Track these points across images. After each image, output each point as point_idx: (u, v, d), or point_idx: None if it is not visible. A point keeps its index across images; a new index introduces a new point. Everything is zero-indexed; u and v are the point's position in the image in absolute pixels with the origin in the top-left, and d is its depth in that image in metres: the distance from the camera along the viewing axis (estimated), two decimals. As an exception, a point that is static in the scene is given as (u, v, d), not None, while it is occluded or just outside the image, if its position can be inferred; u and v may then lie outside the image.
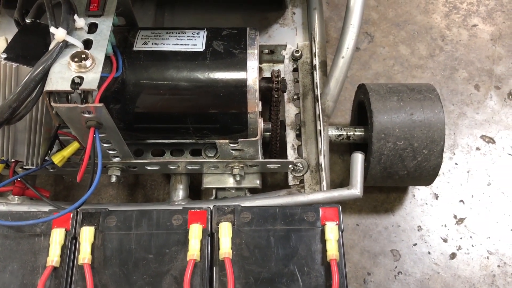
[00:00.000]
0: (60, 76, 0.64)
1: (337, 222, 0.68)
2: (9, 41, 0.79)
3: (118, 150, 0.79)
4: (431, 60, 1.24)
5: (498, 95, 1.20)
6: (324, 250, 0.67)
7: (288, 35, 1.08)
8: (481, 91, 1.21)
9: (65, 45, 0.67)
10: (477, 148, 1.14)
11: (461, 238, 1.05)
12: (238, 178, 0.86)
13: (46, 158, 0.80)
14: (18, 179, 0.81)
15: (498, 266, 1.03)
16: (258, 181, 0.91)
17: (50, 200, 0.83)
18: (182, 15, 1.09)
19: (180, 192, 0.91)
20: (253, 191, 0.92)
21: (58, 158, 0.79)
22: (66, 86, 0.63)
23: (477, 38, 1.27)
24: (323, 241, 0.68)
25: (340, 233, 0.68)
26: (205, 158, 0.89)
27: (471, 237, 1.05)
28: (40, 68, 0.65)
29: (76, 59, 0.65)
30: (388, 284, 1.01)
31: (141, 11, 1.07)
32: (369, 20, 1.28)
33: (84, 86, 0.64)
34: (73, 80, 0.64)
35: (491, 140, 1.15)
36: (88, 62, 0.65)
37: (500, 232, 1.05)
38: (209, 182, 0.90)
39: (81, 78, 0.65)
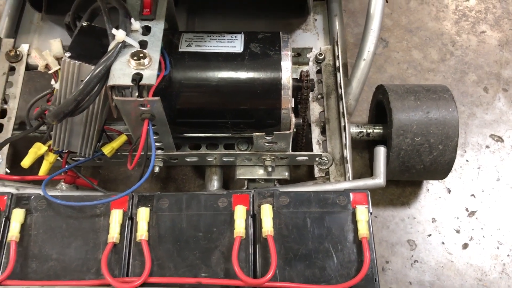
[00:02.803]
0: (122, 73, 0.73)
1: (367, 205, 0.77)
2: (63, 43, 0.89)
3: (164, 142, 0.87)
4: (443, 64, 1.33)
5: (505, 97, 1.29)
6: (355, 230, 0.75)
7: (311, 40, 1.16)
8: (489, 93, 1.29)
9: (124, 45, 0.75)
10: (487, 146, 1.23)
11: (472, 230, 1.13)
12: (269, 169, 0.95)
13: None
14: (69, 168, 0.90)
15: (508, 255, 1.10)
16: (286, 173, 0.99)
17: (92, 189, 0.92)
18: (211, 21, 1.17)
19: (215, 183, 0.99)
20: (282, 182, 1.00)
21: (108, 150, 0.88)
22: (128, 81, 0.72)
23: (485, 44, 1.36)
24: (354, 222, 0.76)
25: (369, 215, 0.76)
26: (237, 152, 0.98)
27: (482, 228, 1.13)
28: (103, 66, 0.73)
29: (135, 58, 0.73)
30: (405, 272, 1.09)
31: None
32: (384, 26, 1.37)
33: (144, 81, 0.72)
34: (132, 76, 0.73)
35: (500, 139, 1.23)
36: (146, 61, 0.74)
37: (509, 224, 1.13)
38: (241, 173, 0.98)
39: (140, 75, 0.73)
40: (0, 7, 1.37)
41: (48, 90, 0.88)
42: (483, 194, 1.17)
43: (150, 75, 0.73)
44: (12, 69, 1.07)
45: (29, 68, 1.09)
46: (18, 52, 1.08)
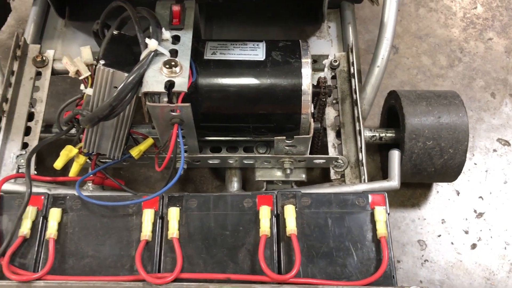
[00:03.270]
0: (155, 80, 0.77)
1: (384, 207, 0.81)
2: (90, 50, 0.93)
3: (189, 145, 0.92)
4: (451, 70, 1.38)
5: (512, 102, 1.34)
6: (374, 230, 0.80)
7: (325, 46, 1.21)
8: (496, 98, 1.34)
9: (156, 54, 0.80)
10: (494, 150, 1.27)
11: (481, 230, 1.18)
12: (288, 171, 0.99)
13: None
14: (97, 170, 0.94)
15: None
16: (303, 175, 1.03)
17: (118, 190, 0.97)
18: (228, 28, 1.22)
19: (235, 184, 1.04)
20: (298, 184, 1.05)
21: (135, 152, 0.92)
22: (161, 88, 0.77)
23: (493, 50, 1.41)
24: (373, 222, 0.80)
25: (387, 215, 0.81)
26: (256, 154, 1.02)
27: (490, 229, 1.18)
28: (137, 73, 0.77)
29: (167, 66, 0.78)
30: (415, 271, 1.13)
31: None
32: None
33: (176, 88, 0.77)
34: (165, 83, 0.77)
35: (507, 143, 1.28)
36: (177, 69, 0.78)
37: None
38: (261, 175, 1.03)
39: (172, 82, 0.78)
40: (21, 12, 1.42)
41: (78, 95, 0.93)
42: (490, 196, 1.21)
43: (182, 83, 0.77)
44: (38, 74, 1.12)
45: (55, 73, 1.14)
46: (44, 58, 1.12)
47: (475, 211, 1.20)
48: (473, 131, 1.29)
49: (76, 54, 1.18)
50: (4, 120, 1.03)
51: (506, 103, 1.33)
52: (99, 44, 0.99)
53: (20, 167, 1.01)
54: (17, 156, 1.02)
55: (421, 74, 1.37)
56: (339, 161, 1.02)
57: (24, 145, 1.04)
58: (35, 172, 1.00)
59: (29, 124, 1.06)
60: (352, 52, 1.11)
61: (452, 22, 1.45)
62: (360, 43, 1.39)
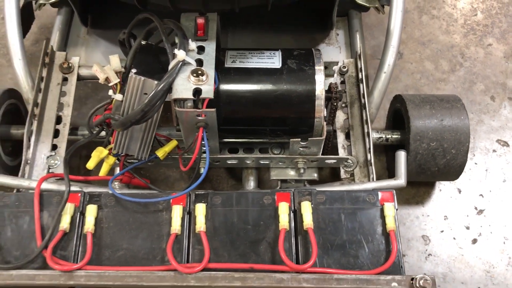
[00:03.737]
0: (183, 87, 0.85)
1: (393, 203, 0.89)
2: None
3: (211, 147, 0.99)
4: (453, 75, 1.46)
5: (511, 105, 1.41)
6: (383, 224, 0.87)
7: (333, 53, 1.28)
8: (496, 101, 1.42)
9: (183, 63, 0.88)
10: (494, 150, 1.35)
11: (481, 226, 1.25)
12: (302, 171, 1.07)
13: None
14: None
15: None
16: (315, 174, 1.11)
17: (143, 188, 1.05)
18: (242, 35, 1.29)
19: (251, 183, 1.12)
20: (311, 183, 1.13)
21: (161, 153, 1.00)
22: (189, 95, 0.84)
23: (492, 56, 1.49)
24: (382, 217, 0.88)
25: (395, 210, 0.88)
26: (272, 155, 1.10)
27: (489, 225, 1.25)
28: (166, 81, 0.85)
29: (194, 74, 0.85)
30: (420, 264, 1.21)
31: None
32: None
33: (203, 95, 0.85)
34: (193, 90, 0.85)
35: (506, 144, 1.36)
36: (204, 77, 0.86)
37: None
38: (275, 174, 1.10)
39: (199, 89, 0.85)
40: (43, 20, 1.49)
41: (106, 100, 1.00)
42: (490, 194, 1.29)
43: (208, 90, 0.85)
44: (65, 80, 1.19)
45: (80, 78, 1.21)
46: (70, 64, 1.19)
47: (475, 208, 1.27)
48: (473, 132, 1.36)
49: (98, 60, 1.28)
50: (35, 123, 1.10)
51: (505, 106, 1.41)
52: (124, 52, 1.07)
53: (50, 167, 1.09)
54: (48, 157, 1.09)
55: (424, 79, 1.45)
56: (348, 161, 1.09)
57: (53, 147, 1.11)
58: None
59: (57, 127, 1.13)
60: (360, 58, 1.19)
61: (453, 28, 1.53)
62: (366, 49, 1.46)
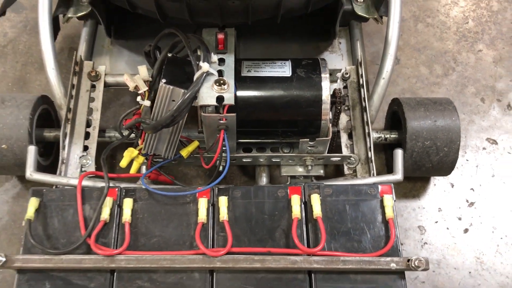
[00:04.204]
0: (208, 95, 0.98)
1: (391, 195, 1.02)
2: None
3: (230, 147, 1.12)
4: (446, 79, 1.59)
5: (499, 106, 1.54)
6: (383, 213, 1.00)
7: (336, 60, 1.40)
8: (486, 103, 1.55)
9: (207, 74, 1.00)
10: (483, 148, 1.48)
11: (472, 217, 1.38)
12: (309, 168, 1.20)
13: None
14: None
15: (501, 238, 1.34)
16: (321, 171, 1.23)
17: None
18: (253, 45, 1.40)
19: (264, 179, 1.24)
20: (317, 178, 1.25)
21: (184, 152, 1.12)
22: (213, 102, 0.97)
23: (482, 61, 1.62)
24: (382, 207, 1.00)
25: (393, 201, 1.01)
26: (282, 154, 1.23)
27: (479, 216, 1.38)
28: (193, 90, 0.98)
29: (217, 83, 0.98)
30: (416, 252, 1.32)
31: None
32: None
33: (225, 102, 0.97)
34: (216, 97, 0.98)
35: (495, 142, 1.49)
36: (225, 86, 0.99)
37: (502, 213, 1.35)
38: (286, 171, 1.23)
39: (221, 96, 0.98)
40: (67, 30, 1.61)
41: (136, 106, 1.13)
42: (480, 188, 1.41)
43: (230, 97, 0.98)
44: (93, 87, 1.32)
45: (106, 85, 1.34)
46: (97, 73, 1.32)
47: (467, 201, 1.40)
48: (465, 131, 1.49)
49: (121, 68, 1.40)
50: (68, 126, 1.23)
51: (494, 107, 1.54)
52: (148, 62, 1.19)
53: (83, 166, 1.21)
54: (80, 157, 1.22)
55: (419, 82, 1.58)
56: (351, 158, 1.22)
57: (85, 148, 1.24)
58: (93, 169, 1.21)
59: (87, 129, 1.26)
60: (360, 65, 1.31)
61: (446, 35, 1.66)
62: (366, 56, 1.59)
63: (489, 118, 1.50)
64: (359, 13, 1.35)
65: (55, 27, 1.43)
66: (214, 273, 0.95)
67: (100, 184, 1.10)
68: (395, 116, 1.34)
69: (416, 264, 0.93)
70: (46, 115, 1.35)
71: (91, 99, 1.29)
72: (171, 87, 1.00)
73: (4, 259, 0.92)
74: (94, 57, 1.40)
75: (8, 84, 1.55)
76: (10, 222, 1.35)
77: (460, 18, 1.69)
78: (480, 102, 1.53)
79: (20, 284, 0.94)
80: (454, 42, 1.63)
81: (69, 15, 1.37)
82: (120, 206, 1.00)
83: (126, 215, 0.98)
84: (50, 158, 1.37)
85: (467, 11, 1.71)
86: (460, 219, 1.35)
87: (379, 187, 1.02)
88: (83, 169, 1.21)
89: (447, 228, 1.34)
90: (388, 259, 0.94)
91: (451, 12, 1.70)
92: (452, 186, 1.40)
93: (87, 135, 1.25)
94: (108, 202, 0.99)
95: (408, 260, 0.94)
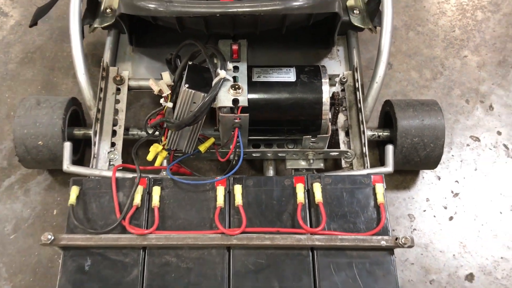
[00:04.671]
0: (225, 98, 1.15)
1: (382, 183, 1.19)
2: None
3: (242, 142, 1.29)
4: (434, 82, 1.75)
5: (482, 107, 1.71)
6: (375, 199, 1.16)
7: (335, 66, 1.56)
8: (470, 104, 1.71)
9: (224, 80, 1.18)
10: (467, 145, 1.64)
11: (456, 206, 1.52)
12: (311, 161, 1.37)
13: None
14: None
15: (482, 225, 1.49)
16: (322, 164, 1.40)
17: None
18: (259, 52, 1.54)
19: (271, 171, 1.41)
20: (318, 171, 1.42)
21: (202, 148, 1.29)
22: (230, 104, 1.14)
23: (467, 66, 1.78)
24: (374, 194, 1.17)
25: (384, 189, 1.18)
26: (287, 149, 1.40)
27: (463, 205, 1.52)
28: (212, 93, 1.14)
29: (233, 88, 1.15)
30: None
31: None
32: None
33: (240, 104, 1.15)
34: (232, 100, 1.15)
35: (477, 139, 1.65)
36: (240, 90, 1.16)
37: (483, 203, 1.47)
38: (290, 164, 1.40)
39: (236, 99, 1.15)
40: (88, 38, 1.78)
41: (159, 107, 1.29)
42: (464, 181, 1.56)
43: (243, 100, 1.15)
44: (118, 90, 1.49)
45: (129, 88, 1.51)
46: (121, 77, 1.49)
47: (452, 192, 1.55)
48: (451, 130, 1.66)
49: (142, 73, 1.56)
50: (98, 125, 1.40)
51: (477, 108, 1.71)
52: (170, 69, 1.35)
53: (111, 160, 1.38)
54: (108, 152, 1.39)
55: (410, 85, 1.74)
56: (348, 153, 1.39)
57: (112, 144, 1.41)
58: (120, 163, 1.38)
59: (114, 128, 1.43)
60: (356, 71, 1.48)
61: (435, 43, 1.83)
62: (362, 61, 1.75)
63: (473, 118, 1.65)
64: (355, 24, 1.51)
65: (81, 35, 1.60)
66: (231, 250, 1.11)
67: (128, 175, 1.27)
68: (388, 116, 1.50)
69: (403, 241, 1.09)
70: (75, 115, 1.52)
71: (117, 101, 1.46)
72: (193, 91, 1.16)
73: (52, 238, 1.09)
74: (118, 63, 1.55)
75: (37, 87, 1.72)
76: (43, 210, 1.52)
77: (448, 26, 1.85)
78: (465, 103, 1.69)
79: (66, 260, 1.11)
80: (442, 48, 1.79)
81: (95, 25, 1.53)
82: (149, 193, 1.17)
83: (155, 201, 1.15)
84: (77, 155, 1.53)
85: (454, 20, 1.88)
86: (445, 208, 1.49)
87: (372, 177, 1.19)
88: (111, 163, 1.38)
89: (434, 216, 1.48)
90: (379, 237, 1.11)
91: (440, 21, 1.87)
92: (439, 178, 1.56)
93: (114, 133, 1.42)
94: (140, 189, 1.16)
95: (396, 239, 1.10)
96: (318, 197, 1.15)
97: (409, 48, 1.77)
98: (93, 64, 1.72)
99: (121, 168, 1.29)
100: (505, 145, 1.60)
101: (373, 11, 1.46)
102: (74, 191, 1.16)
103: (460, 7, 1.87)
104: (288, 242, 1.10)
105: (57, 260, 1.42)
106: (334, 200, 1.16)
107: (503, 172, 1.55)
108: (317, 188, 1.16)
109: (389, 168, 1.31)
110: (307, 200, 1.16)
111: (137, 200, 1.15)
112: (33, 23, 1.54)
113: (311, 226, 1.11)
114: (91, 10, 1.52)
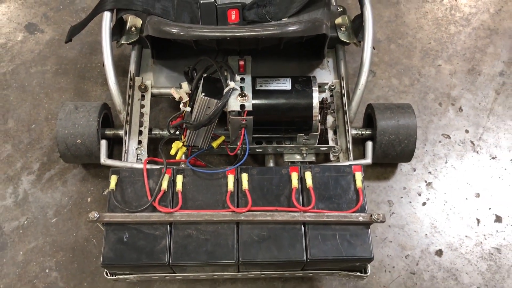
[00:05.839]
0: (234, 104, 1.45)
1: (361, 172, 1.48)
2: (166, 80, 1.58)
3: (248, 139, 1.60)
4: (412, 88, 2.03)
5: (453, 109, 1.99)
6: (355, 185, 1.46)
7: (325, 75, 1.82)
8: (442, 106, 2.00)
9: (233, 89, 1.48)
10: (439, 141, 1.90)
11: (429, 194, 1.77)
12: (305, 155, 1.67)
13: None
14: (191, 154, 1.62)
15: (450, 209, 1.76)
16: (313, 158, 1.70)
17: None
18: (258, 63, 1.74)
19: (271, 164, 1.71)
20: (310, 163, 1.73)
21: (215, 144, 1.60)
22: (238, 108, 1.44)
23: (441, 73, 2.05)
24: (354, 181, 1.46)
25: (362, 176, 1.48)
26: (285, 145, 1.71)
27: (435, 193, 1.78)
28: (224, 100, 1.45)
29: (240, 96, 1.46)
30: (386, 220, 1.80)
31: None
32: (373, 62, 2.04)
33: (246, 108, 1.45)
34: (240, 105, 1.46)
35: (448, 137, 1.94)
36: (246, 98, 1.46)
37: (452, 191, 1.72)
38: (287, 158, 1.70)
39: (243, 105, 1.46)
40: (114, 51, 2.07)
41: (179, 111, 1.59)
42: (436, 172, 1.83)
43: (249, 105, 1.45)
44: (142, 96, 1.79)
45: (152, 95, 1.81)
46: (145, 86, 1.80)
47: (425, 181, 1.81)
48: (425, 129, 1.95)
49: (162, 82, 1.85)
50: (127, 126, 1.71)
51: (449, 110, 2.00)
52: (187, 79, 1.65)
53: (138, 155, 1.69)
54: (136, 148, 1.69)
55: (391, 91, 2.03)
56: (335, 148, 1.70)
57: (139, 142, 1.71)
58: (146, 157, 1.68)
59: (140, 128, 1.74)
60: (343, 79, 1.78)
61: (413, 53, 2.10)
62: (348, 70, 2.05)
63: (445, 118, 1.87)
64: (342, 39, 1.72)
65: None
66: (239, 224, 1.40)
67: (154, 166, 1.57)
68: (370, 117, 1.72)
69: (376, 217, 1.39)
70: (105, 118, 1.82)
71: (142, 106, 1.75)
72: (208, 98, 1.46)
73: (97, 216, 1.40)
74: (141, 74, 1.84)
75: (71, 94, 2.02)
76: (78, 199, 1.82)
77: (424, 39, 2.14)
78: (438, 106, 1.93)
79: (108, 233, 1.41)
80: (419, 58, 2.05)
81: (122, 42, 1.83)
82: (173, 180, 1.47)
83: (179, 186, 1.45)
84: (108, 151, 1.83)
85: (430, 33, 2.16)
86: (419, 195, 1.71)
87: (352, 167, 1.49)
88: (138, 157, 1.68)
89: (410, 202, 1.69)
90: (358, 214, 1.39)
91: (417, 34, 2.15)
92: (414, 170, 1.80)
93: (140, 133, 1.72)
94: (166, 177, 1.47)
95: (371, 215, 1.40)
96: (309, 183, 1.44)
97: (391, 59, 1.99)
98: (118, 74, 2.00)
99: (148, 161, 1.59)
100: (471, 142, 1.89)
101: (357, 28, 1.68)
102: (114, 179, 1.46)
103: (435, 22, 2.16)
104: (285, 218, 1.33)
105: (91, 239, 1.72)
106: (322, 185, 1.41)
107: (469, 165, 1.79)
108: (308, 175, 1.46)
109: (368, 160, 1.61)
110: (300, 185, 1.45)
111: (164, 185, 1.44)
112: (68, 40, 1.81)
113: (303, 206, 1.34)
114: (118, 28, 1.73)
